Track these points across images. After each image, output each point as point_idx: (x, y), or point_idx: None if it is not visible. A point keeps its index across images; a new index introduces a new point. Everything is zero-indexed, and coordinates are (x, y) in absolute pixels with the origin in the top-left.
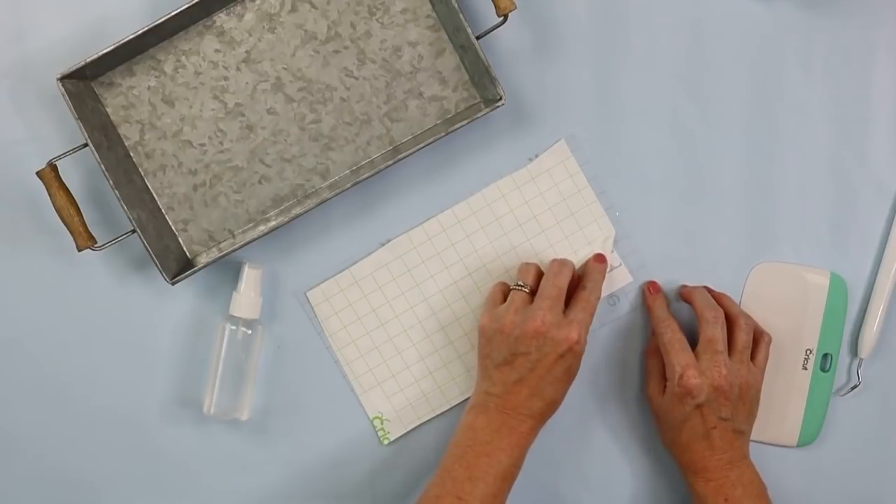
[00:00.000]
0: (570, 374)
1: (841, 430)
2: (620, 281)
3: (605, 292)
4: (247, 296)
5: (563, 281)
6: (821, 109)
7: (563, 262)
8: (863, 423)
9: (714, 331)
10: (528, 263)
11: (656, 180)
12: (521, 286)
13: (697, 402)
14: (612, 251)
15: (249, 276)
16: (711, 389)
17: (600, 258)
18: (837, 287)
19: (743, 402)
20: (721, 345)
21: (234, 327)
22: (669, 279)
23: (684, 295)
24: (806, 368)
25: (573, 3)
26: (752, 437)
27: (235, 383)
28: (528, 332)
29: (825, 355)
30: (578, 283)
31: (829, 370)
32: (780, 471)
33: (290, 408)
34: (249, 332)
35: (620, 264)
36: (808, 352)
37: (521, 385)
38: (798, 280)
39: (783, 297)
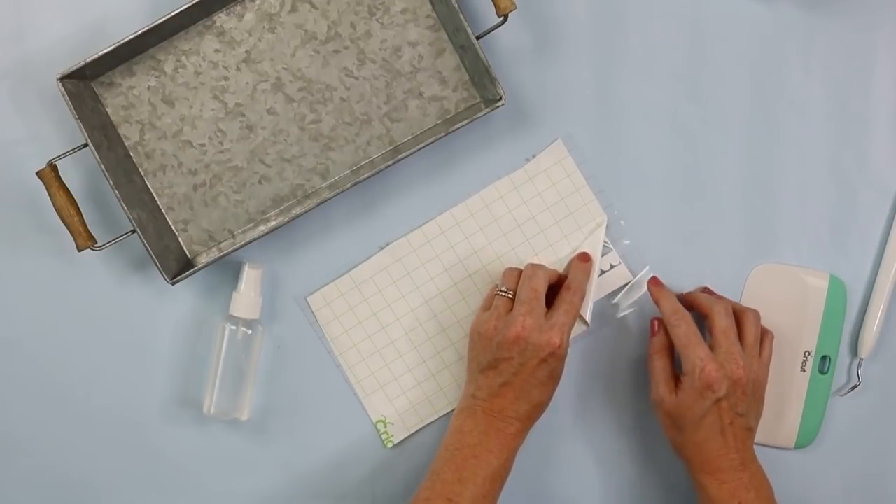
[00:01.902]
0: (554, 377)
1: (840, 431)
2: (620, 280)
3: (604, 291)
4: (247, 296)
5: (538, 283)
6: (821, 109)
7: (537, 265)
8: (862, 424)
9: (727, 321)
10: (511, 268)
11: (656, 180)
12: (505, 292)
13: (718, 395)
14: (605, 239)
15: (249, 276)
16: (730, 382)
17: (584, 257)
18: (836, 290)
19: (755, 398)
20: (735, 336)
21: (234, 327)
22: (669, 279)
23: (685, 300)
24: (804, 370)
25: (573, 3)
26: None
27: (235, 383)
28: (510, 338)
29: (823, 357)
30: (563, 285)
31: (827, 372)
32: (778, 472)
33: (291, 408)
34: (249, 332)
35: (620, 263)
36: (807, 353)
37: (506, 388)
38: (797, 282)
39: (782, 298)
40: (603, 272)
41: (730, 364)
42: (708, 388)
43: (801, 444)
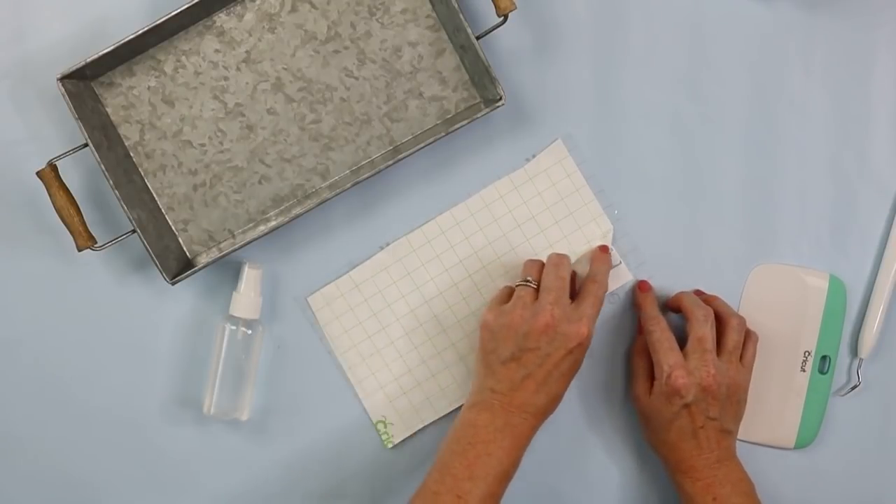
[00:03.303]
0: (574, 369)
1: (839, 431)
2: (621, 279)
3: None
4: (247, 296)
5: (565, 272)
6: (821, 109)
7: (561, 254)
8: (862, 425)
9: (704, 329)
10: (532, 259)
11: (656, 180)
12: (529, 282)
13: (685, 401)
14: (611, 247)
15: (249, 276)
16: (699, 389)
17: (605, 249)
18: (836, 290)
19: (731, 402)
20: (710, 343)
21: (234, 327)
22: (669, 279)
23: (672, 302)
24: (804, 370)
25: (573, 3)
26: (749, 438)
27: (235, 383)
28: (538, 327)
29: (823, 357)
30: (586, 276)
31: (827, 372)
32: (777, 473)
33: (291, 408)
34: (249, 332)
35: (620, 262)
36: (807, 354)
37: (528, 380)
38: (797, 282)
39: (782, 299)
40: None
41: (699, 371)
42: (675, 393)
43: (801, 444)
